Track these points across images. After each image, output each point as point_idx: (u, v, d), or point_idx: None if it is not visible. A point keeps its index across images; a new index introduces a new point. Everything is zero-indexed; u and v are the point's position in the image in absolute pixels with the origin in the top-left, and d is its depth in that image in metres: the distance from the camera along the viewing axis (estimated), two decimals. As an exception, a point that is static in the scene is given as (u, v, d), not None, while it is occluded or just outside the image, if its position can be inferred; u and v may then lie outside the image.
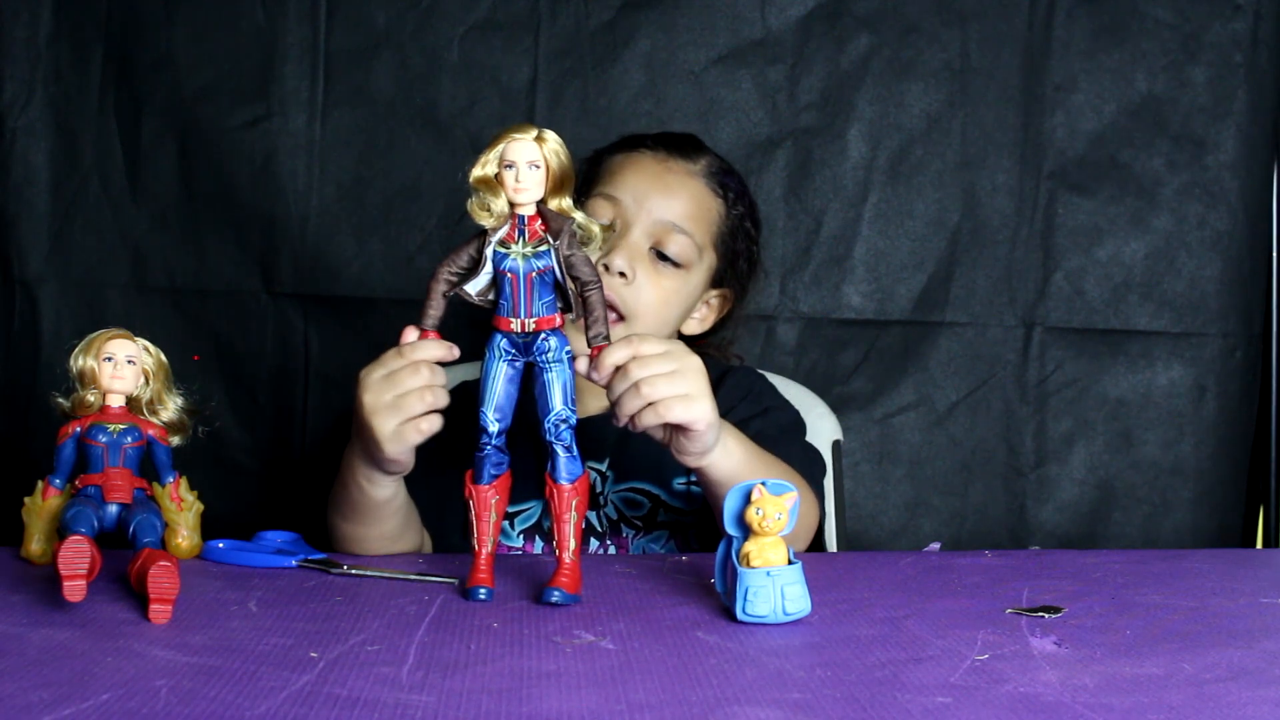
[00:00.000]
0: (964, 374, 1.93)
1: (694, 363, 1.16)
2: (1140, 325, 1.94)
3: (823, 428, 1.67)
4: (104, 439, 1.14)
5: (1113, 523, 1.95)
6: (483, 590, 1.09)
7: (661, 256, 1.45)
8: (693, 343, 1.61)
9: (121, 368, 1.15)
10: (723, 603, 1.05)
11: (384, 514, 1.28)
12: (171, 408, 1.19)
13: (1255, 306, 1.96)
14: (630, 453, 1.44)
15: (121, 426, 1.15)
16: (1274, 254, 1.97)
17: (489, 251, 1.08)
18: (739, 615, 1.00)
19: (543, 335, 1.08)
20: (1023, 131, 1.92)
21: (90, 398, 1.15)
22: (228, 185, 1.89)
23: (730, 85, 1.91)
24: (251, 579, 1.14)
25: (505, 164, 1.06)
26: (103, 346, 1.15)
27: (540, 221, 1.08)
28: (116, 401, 1.16)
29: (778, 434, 1.46)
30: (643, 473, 1.44)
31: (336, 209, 1.89)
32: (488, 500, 1.11)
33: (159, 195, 1.90)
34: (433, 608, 1.05)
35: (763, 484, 1.00)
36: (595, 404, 1.40)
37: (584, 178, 1.48)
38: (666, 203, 1.46)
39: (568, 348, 1.09)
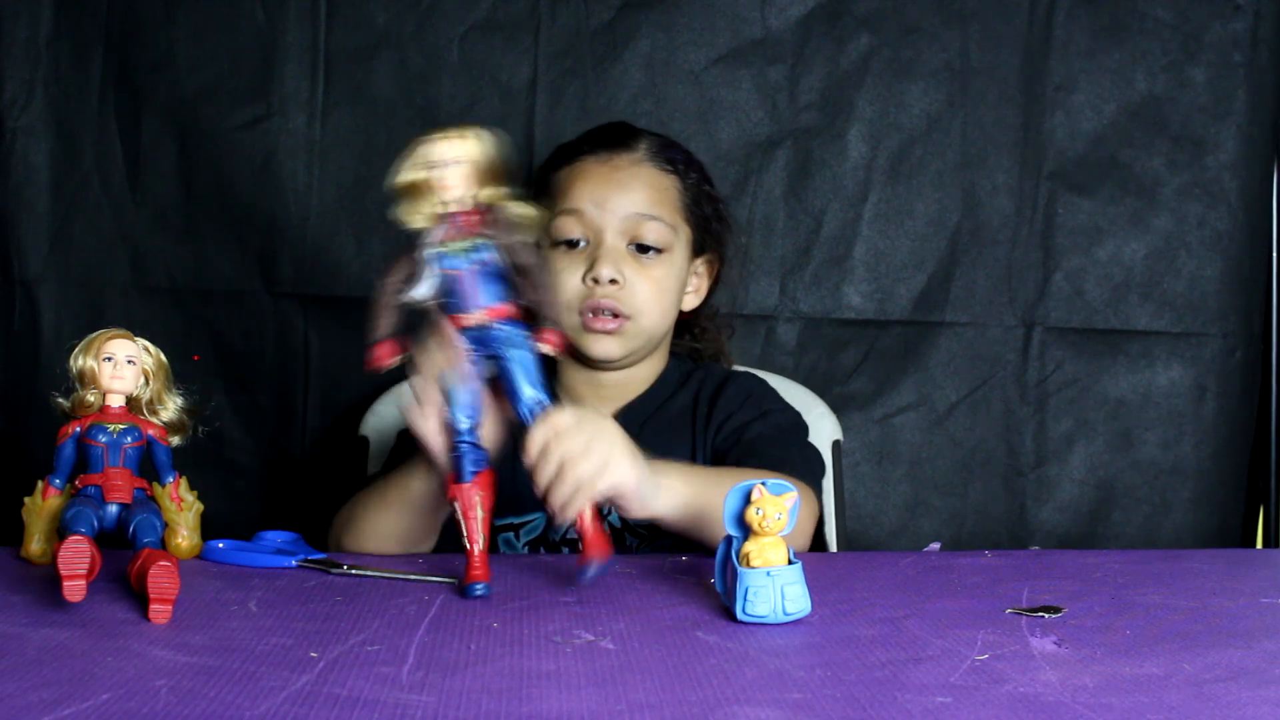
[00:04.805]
0: (964, 374, 1.93)
1: (605, 426, 1.14)
2: (1140, 325, 1.93)
3: (823, 428, 1.67)
4: (104, 439, 1.14)
5: (1113, 523, 1.94)
6: (479, 586, 1.09)
7: (642, 249, 1.48)
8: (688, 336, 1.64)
9: (121, 368, 1.15)
10: (723, 603, 1.05)
11: (421, 509, 1.29)
12: (171, 408, 1.19)
13: (1255, 306, 1.96)
14: None
15: (121, 426, 1.15)
16: (1274, 254, 1.96)
17: (426, 255, 1.09)
18: (739, 615, 1.00)
19: (495, 325, 1.09)
20: (1023, 131, 1.92)
21: (90, 398, 1.15)
22: (228, 185, 1.89)
23: (730, 85, 1.90)
24: (251, 579, 1.14)
25: (429, 166, 1.07)
26: (103, 346, 1.15)
27: (474, 216, 1.08)
28: (116, 401, 1.16)
29: (777, 435, 1.46)
30: None
31: (336, 209, 1.89)
32: (471, 498, 1.11)
33: (159, 195, 1.90)
34: (433, 608, 1.05)
35: (763, 484, 1.00)
36: None
37: (537, 198, 1.49)
38: (626, 198, 1.49)
39: (524, 333, 1.10)
